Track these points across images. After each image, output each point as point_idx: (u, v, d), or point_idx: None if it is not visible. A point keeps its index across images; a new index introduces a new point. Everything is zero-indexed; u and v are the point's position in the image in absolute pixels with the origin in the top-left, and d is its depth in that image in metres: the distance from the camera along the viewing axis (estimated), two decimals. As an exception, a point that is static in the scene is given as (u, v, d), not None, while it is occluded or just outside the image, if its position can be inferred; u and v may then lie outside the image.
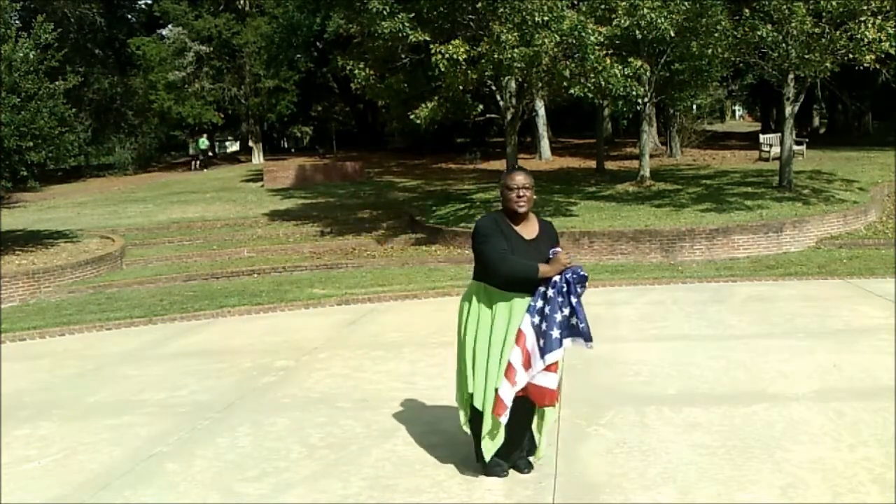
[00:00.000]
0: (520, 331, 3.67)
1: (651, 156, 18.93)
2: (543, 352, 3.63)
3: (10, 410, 5.71)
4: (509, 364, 3.65)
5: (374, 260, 12.75)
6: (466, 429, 3.91)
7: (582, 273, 3.68)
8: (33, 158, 12.62)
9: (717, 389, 5.21)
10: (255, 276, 12.08)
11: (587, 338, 3.66)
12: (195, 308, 9.48)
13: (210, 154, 33.45)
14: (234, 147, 43.60)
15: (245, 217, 17.10)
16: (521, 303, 3.69)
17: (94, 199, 22.56)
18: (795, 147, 17.56)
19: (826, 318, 7.21)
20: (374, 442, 4.51)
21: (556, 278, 3.64)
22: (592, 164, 21.76)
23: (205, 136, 33.28)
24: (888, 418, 4.42)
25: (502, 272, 3.65)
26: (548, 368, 3.65)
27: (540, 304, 3.66)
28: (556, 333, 3.61)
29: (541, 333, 3.64)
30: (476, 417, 3.78)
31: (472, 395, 3.75)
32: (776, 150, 18.50)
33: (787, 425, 4.41)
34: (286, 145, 44.95)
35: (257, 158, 32.35)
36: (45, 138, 12.48)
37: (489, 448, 3.74)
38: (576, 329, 3.65)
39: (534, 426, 3.91)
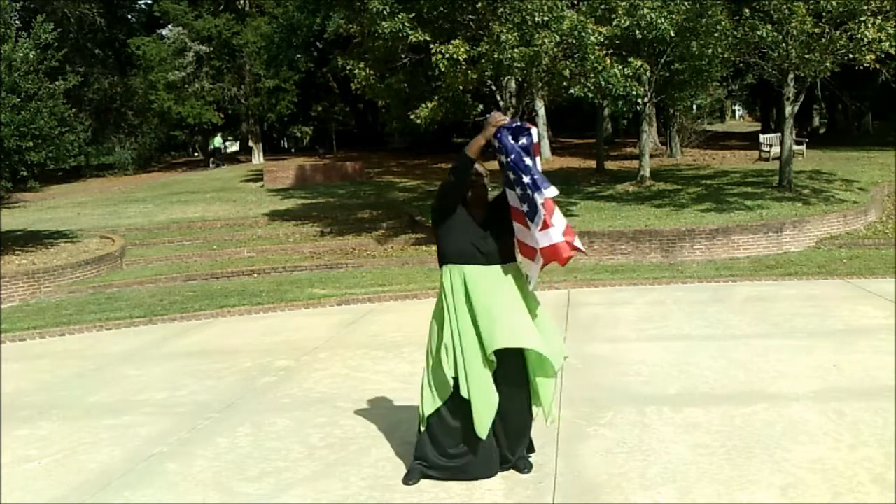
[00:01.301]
0: (512, 208, 3.70)
1: (651, 156, 18.93)
2: (530, 215, 3.60)
3: (10, 410, 5.72)
4: (519, 242, 3.73)
5: (374, 260, 12.75)
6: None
7: (514, 124, 3.58)
8: (33, 158, 12.62)
9: (717, 389, 5.21)
10: (255, 276, 12.08)
11: (543, 185, 3.54)
12: (195, 308, 9.48)
13: (221, 152, 34.14)
14: (234, 147, 43.68)
15: (245, 217, 17.10)
16: (471, 269, 3.71)
17: (94, 199, 22.55)
18: (795, 147, 17.57)
19: (826, 318, 7.20)
20: (374, 442, 4.51)
21: (495, 143, 3.60)
22: (592, 164, 21.76)
23: (219, 135, 33.92)
24: (888, 418, 4.42)
25: (448, 182, 3.71)
26: (544, 228, 3.59)
27: (505, 175, 3.64)
28: (530, 193, 3.56)
29: (522, 200, 3.61)
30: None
31: (455, 381, 3.69)
32: (776, 150, 18.50)
33: (787, 425, 4.41)
34: (286, 145, 44.97)
35: (257, 158, 32.38)
36: (45, 138, 12.48)
37: (485, 423, 3.66)
38: (536, 184, 3.54)
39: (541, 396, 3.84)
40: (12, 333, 8.64)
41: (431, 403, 3.78)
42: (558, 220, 3.64)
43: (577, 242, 3.70)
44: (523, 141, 3.60)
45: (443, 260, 3.82)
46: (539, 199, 3.54)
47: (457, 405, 3.72)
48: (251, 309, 9.36)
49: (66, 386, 6.41)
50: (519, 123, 3.61)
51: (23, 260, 12.52)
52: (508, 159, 3.57)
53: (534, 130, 3.65)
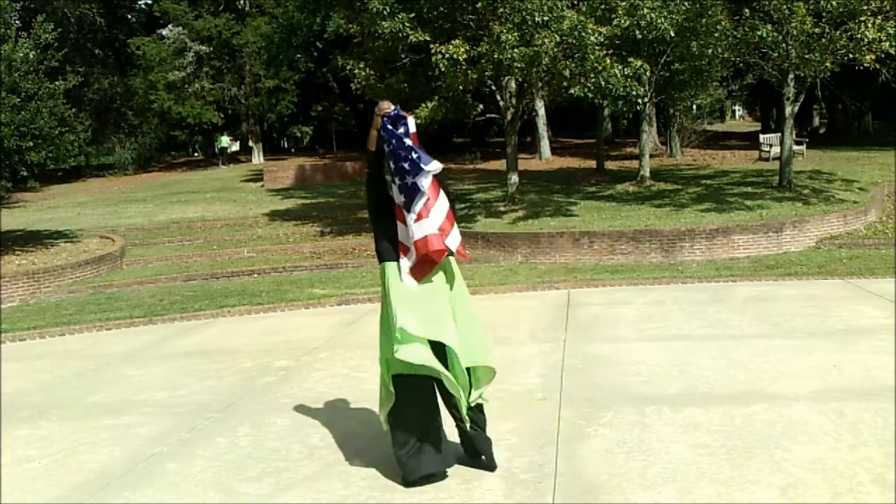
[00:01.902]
0: (396, 206, 3.74)
1: (651, 156, 18.93)
2: (407, 205, 3.63)
3: (10, 410, 5.72)
4: (401, 244, 3.74)
5: (374, 260, 12.67)
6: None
7: (393, 112, 3.64)
8: (33, 158, 12.63)
9: (717, 389, 5.20)
10: (255, 276, 12.08)
11: (424, 162, 3.58)
12: (195, 308, 9.48)
13: (227, 151, 34.58)
14: (234, 147, 43.80)
15: (245, 217, 17.10)
16: (394, 266, 3.78)
17: (94, 199, 22.56)
18: (795, 147, 17.56)
19: (826, 318, 7.20)
20: (374, 442, 4.51)
21: (381, 132, 3.67)
22: (592, 164, 21.76)
23: (225, 133, 34.49)
24: (888, 418, 4.42)
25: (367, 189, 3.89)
26: (419, 218, 3.61)
27: (387, 165, 3.68)
28: (409, 180, 3.59)
29: (402, 190, 3.64)
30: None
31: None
32: (776, 150, 18.50)
33: (787, 425, 4.41)
34: (286, 145, 45.01)
35: (257, 158, 32.41)
36: (45, 138, 12.49)
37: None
38: (416, 164, 3.58)
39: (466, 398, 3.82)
40: (12, 333, 8.64)
41: (387, 402, 3.84)
42: (436, 214, 3.66)
43: (452, 243, 3.69)
44: (401, 129, 3.66)
45: (378, 257, 3.92)
46: (420, 184, 3.58)
47: (409, 397, 3.75)
48: (251, 309, 9.36)
49: (66, 386, 6.41)
50: (396, 111, 3.66)
51: (23, 260, 12.52)
52: (389, 147, 3.64)
53: (410, 120, 3.71)
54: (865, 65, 12.57)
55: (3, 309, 10.38)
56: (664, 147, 26.64)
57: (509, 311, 8.46)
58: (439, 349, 3.67)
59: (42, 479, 4.31)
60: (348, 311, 9.09)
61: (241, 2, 32.62)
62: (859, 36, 12.20)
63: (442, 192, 3.74)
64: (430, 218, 3.63)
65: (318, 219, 16.32)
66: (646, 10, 12.58)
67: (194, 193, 21.65)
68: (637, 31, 12.89)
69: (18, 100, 11.96)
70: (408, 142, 3.62)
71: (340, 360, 6.61)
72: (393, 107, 3.70)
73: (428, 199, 3.64)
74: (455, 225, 3.77)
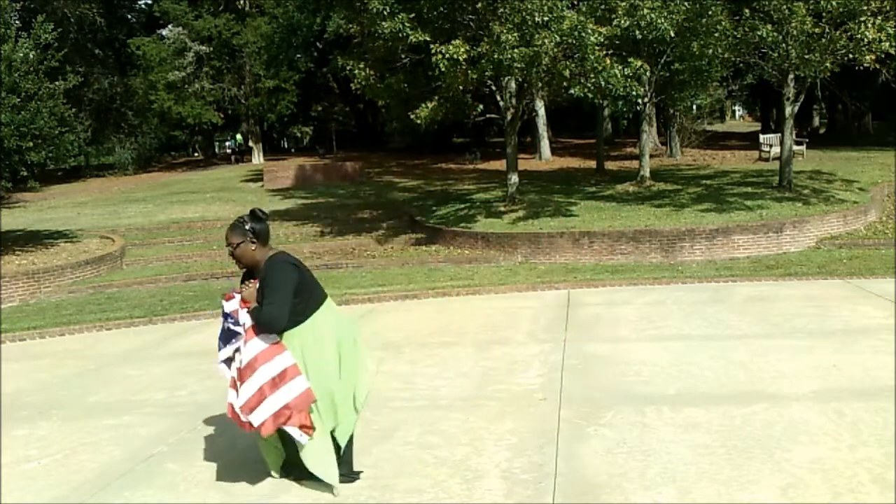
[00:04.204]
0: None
1: (651, 156, 18.92)
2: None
3: (10, 410, 5.72)
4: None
5: (374, 260, 12.74)
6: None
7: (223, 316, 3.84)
8: (33, 158, 12.63)
9: (717, 389, 5.21)
10: (255, 276, 12.07)
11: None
12: (195, 308, 9.48)
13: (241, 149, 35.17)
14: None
15: (245, 217, 17.08)
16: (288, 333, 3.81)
17: (94, 199, 22.57)
18: (795, 147, 17.56)
19: (826, 318, 7.20)
20: (374, 442, 4.51)
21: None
22: (592, 164, 21.77)
23: (239, 132, 35.15)
24: (888, 418, 4.42)
25: None
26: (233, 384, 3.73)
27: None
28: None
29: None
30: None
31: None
32: (776, 150, 18.50)
33: (787, 425, 4.41)
34: (286, 145, 45.04)
35: (257, 158, 32.40)
36: (45, 138, 12.48)
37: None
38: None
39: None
40: (12, 333, 8.64)
41: None
42: (247, 390, 3.65)
43: (255, 418, 3.62)
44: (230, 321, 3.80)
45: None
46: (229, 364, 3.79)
47: None
48: (251, 309, 9.35)
49: (66, 386, 6.42)
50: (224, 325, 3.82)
51: (23, 260, 12.51)
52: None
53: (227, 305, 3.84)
54: (865, 65, 12.56)
55: (3, 309, 10.38)
56: (664, 147, 26.64)
57: (509, 311, 8.47)
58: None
59: (42, 479, 4.31)
60: (348, 311, 9.08)
61: (241, 2, 32.61)
62: (859, 36, 12.19)
63: (267, 366, 3.64)
64: (239, 396, 3.66)
65: (318, 219, 16.32)
66: (646, 11, 12.57)
67: (194, 193, 21.65)
68: (637, 31, 12.88)
69: (18, 100, 11.96)
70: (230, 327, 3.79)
71: (340, 360, 6.60)
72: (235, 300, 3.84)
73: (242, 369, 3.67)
74: (275, 393, 3.61)
